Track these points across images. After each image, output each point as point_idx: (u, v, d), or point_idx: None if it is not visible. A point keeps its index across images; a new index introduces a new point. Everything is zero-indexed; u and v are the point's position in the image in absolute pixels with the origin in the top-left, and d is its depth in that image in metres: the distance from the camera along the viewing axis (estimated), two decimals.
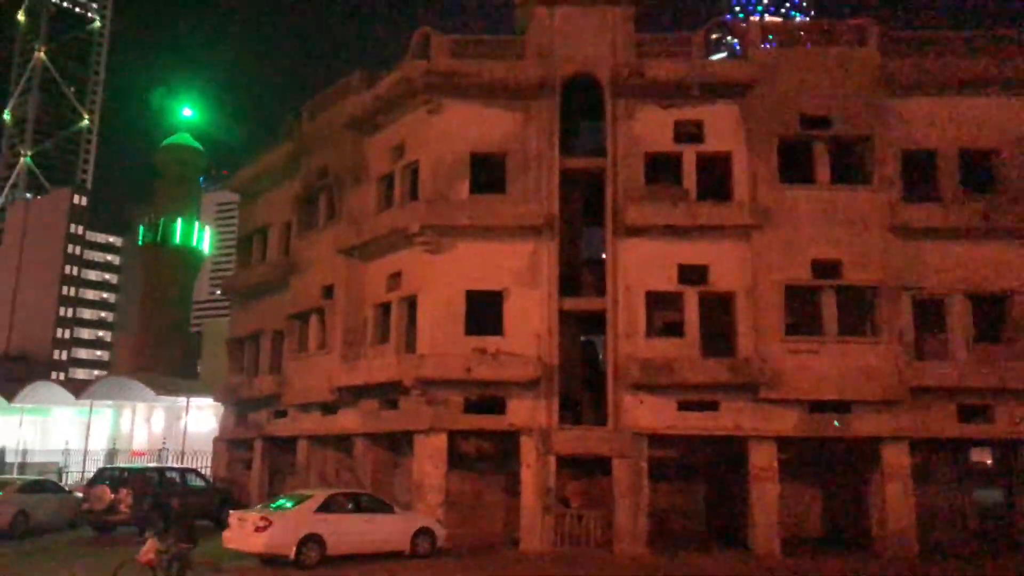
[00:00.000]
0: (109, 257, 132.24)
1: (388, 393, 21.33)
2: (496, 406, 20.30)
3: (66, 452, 33.42)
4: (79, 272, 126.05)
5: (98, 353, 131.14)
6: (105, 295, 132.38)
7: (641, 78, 20.86)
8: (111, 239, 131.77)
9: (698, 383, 19.60)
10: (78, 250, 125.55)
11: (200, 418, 34.91)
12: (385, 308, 22.37)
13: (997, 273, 19.69)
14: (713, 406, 19.84)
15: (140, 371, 42.28)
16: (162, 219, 50.46)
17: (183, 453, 31.09)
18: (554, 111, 21.24)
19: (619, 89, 21.12)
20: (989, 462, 24.45)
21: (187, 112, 55.84)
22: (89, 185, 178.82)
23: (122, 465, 26.28)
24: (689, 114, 21.19)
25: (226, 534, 16.56)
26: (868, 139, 20.35)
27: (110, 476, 21.57)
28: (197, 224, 51.99)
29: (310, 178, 25.10)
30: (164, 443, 32.60)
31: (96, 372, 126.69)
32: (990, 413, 19.43)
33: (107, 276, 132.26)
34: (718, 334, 20.61)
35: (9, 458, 35.27)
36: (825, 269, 19.90)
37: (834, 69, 20.76)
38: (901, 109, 20.55)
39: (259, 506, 17.75)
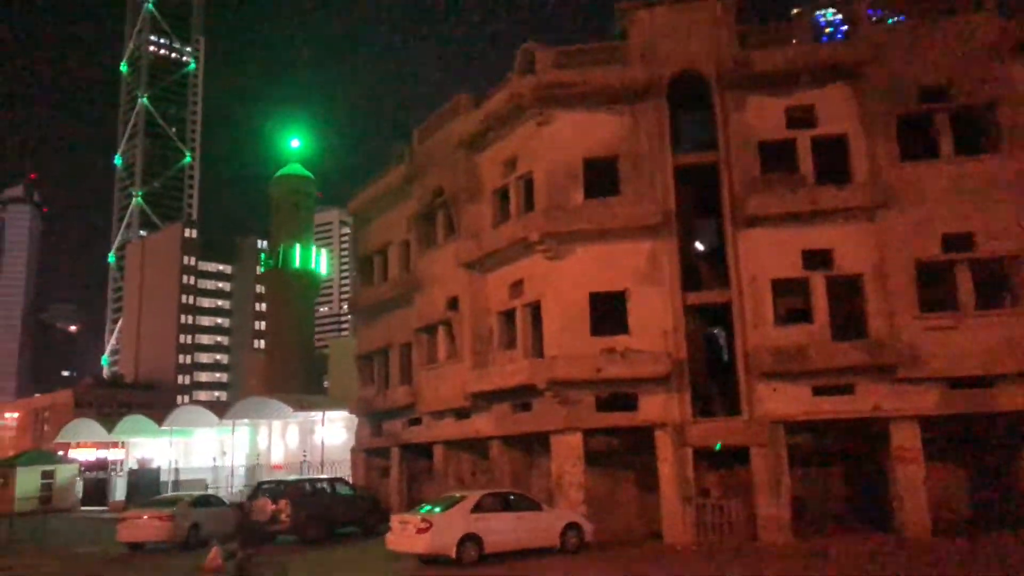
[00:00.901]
0: (220, 284, 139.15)
1: (520, 396, 22.09)
2: (627, 403, 20.75)
3: (214, 469, 35.72)
4: (195, 300, 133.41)
5: (217, 375, 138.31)
6: (219, 320, 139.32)
7: (749, 70, 20.96)
8: (220, 267, 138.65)
9: (832, 367, 19.55)
10: (192, 280, 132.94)
11: (332, 431, 36.70)
12: (509, 315, 23.15)
13: None
14: (849, 389, 19.74)
15: (270, 390, 44.68)
16: (281, 246, 53.24)
17: (322, 464, 32.79)
18: (663, 110, 21.55)
19: (726, 82, 21.26)
20: None
21: (295, 143, 58.63)
22: (195, 217, 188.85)
23: (279, 478, 28.02)
24: (800, 99, 21.14)
25: (389, 537, 17.62)
26: (991, 106, 19.83)
27: (269, 489, 23.12)
28: (313, 248, 54.63)
29: (426, 198, 26.20)
30: (304, 456, 34.50)
31: (216, 393, 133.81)
32: None
33: (219, 302, 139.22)
34: (846, 317, 20.49)
35: (162, 477, 37.98)
36: (957, 243, 19.51)
37: (950, 38, 20.34)
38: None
39: (415, 509, 18.75)
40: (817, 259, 20.40)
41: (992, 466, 21.19)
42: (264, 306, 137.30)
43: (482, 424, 23.63)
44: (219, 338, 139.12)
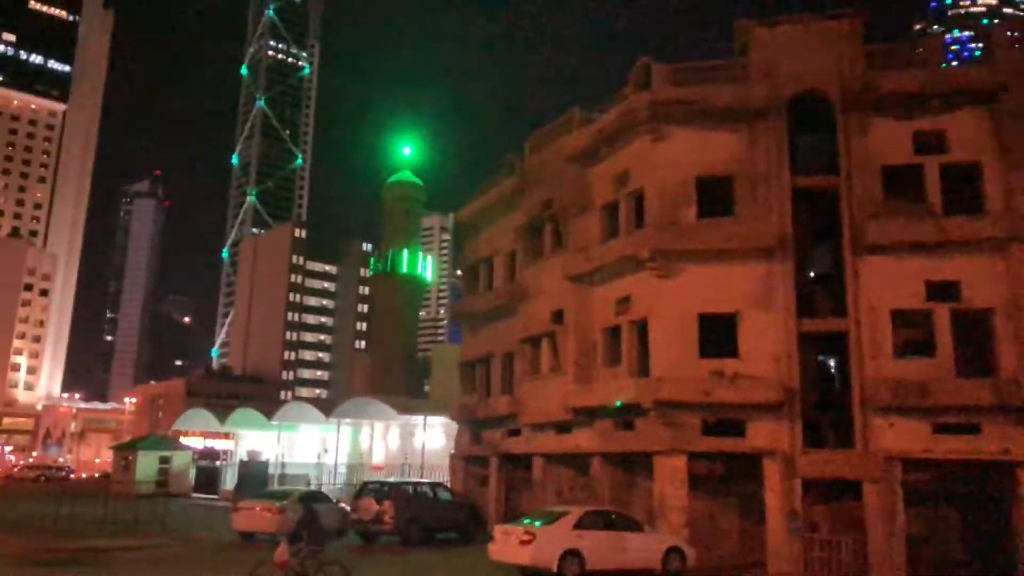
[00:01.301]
0: (325, 284, 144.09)
1: (623, 414, 22.02)
2: (735, 428, 20.39)
3: (318, 465, 37.05)
4: (301, 299, 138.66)
5: (318, 373, 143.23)
6: (323, 319, 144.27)
7: (876, 92, 20.33)
8: (326, 267, 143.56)
9: (955, 405, 18.70)
10: (300, 279, 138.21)
11: (432, 436, 37.48)
12: (614, 331, 23.12)
13: None
14: (974, 429, 18.82)
15: (374, 392, 46.02)
16: (390, 250, 54.90)
17: (422, 468, 33.54)
18: (782, 131, 21.14)
19: (850, 104, 20.70)
20: None
21: (407, 151, 60.30)
22: (303, 217, 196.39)
23: (382, 479, 28.86)
24: (929, 124, 20.37)
25: (492, 546, 17.89)
26: None
27: (374, 489, 23.86)
28: (420, 254, 56.07)
29: (535, 210, 26.49)
30: (406, 459, 35.39)
31: (317, 391, 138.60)
32: None
33: (324, 302, 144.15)
34: (970, 353, 19.55)
35: (270, 469, 39.67)
36: None
37: None
38: None
39: (518, 521, 18.98)
40: (942, 291, 19.56)
41: None
42: (366, 308, 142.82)
43: (583, 439, 23.66)
44: (322, 337, 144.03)
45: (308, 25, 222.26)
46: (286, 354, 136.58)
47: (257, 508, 23.04)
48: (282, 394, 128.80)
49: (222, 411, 51.11)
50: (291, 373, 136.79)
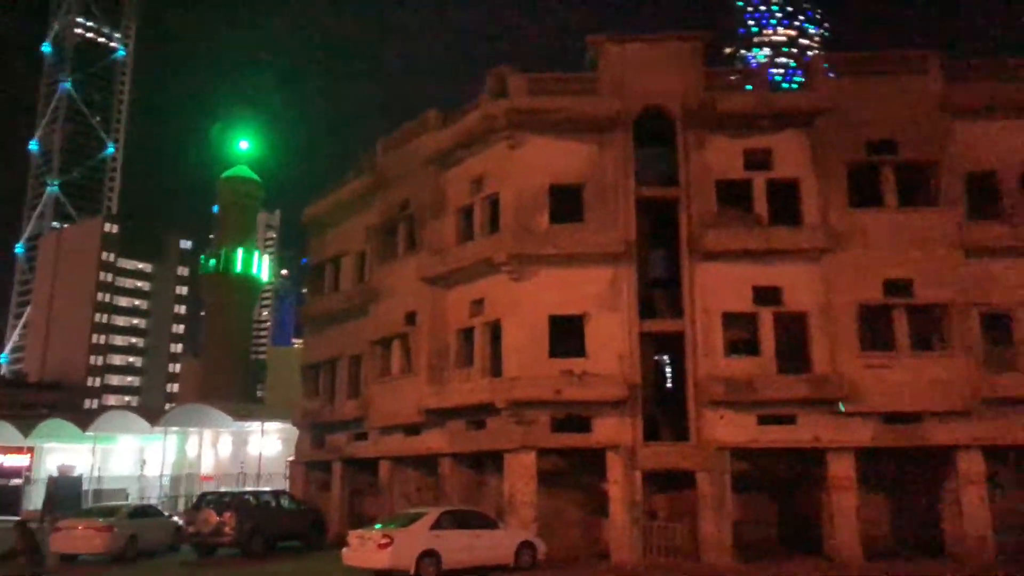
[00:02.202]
0: (139, 283, 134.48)
1: (475, 414, 22.36)
2: (581, 425, 21.28)
3: (140, 478, 34.58)
4: (111, 299, 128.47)
5: (129, 379, 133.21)
6: (135, 321, 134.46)
7: (713, 111, 21.98)
8: (141, 265, 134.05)
9: (778, 399, 20.56)
10: (110, 277, 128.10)
11: (267, 442, 36.02)
12: (467, 333, 23.45)
13: None
14: (791, 420, 20.77)
15: (204, 398, 43.50)
16: (224, 249, 51.97)
17: (258, 476, 32.19)
18: (628, 143, 22.37)
19: (690, 121, 22.24)
20: None
21: (243, 145, 57.49)
22: (114, 211, 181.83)
23: (221, 490, 27.42)
24: (758, 143, 22.26)
25: (346, 552, 17.59)
26: (934, 163, 21.36)
27: (213, 500, 22.68)
28: (257, 253, 53.50)
29: (390, 210, 26.32)
30: (241, 467, 33.77)
31: (127, 398, 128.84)
32: None
33: (137, 302, 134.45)
34: (791, 351, 21.56)
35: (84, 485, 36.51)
36: (897, 288, 20.85)
37: (898, 97, 21.82)
38: (963, 133, 21.57)
39: (372, 526, 18.77)
40: (767, 295, 21.44)
41: (915, 497, 22.55)
42: (184, 309, 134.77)
43: (434, 440, 23.76)
44: (134, 340, 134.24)
45: (123, 3, 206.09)
46: (93, 359, 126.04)
47: (80, 527, 21.24)
48: (87, 402, 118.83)
49: (24, 423, 46.31)
50: (98, 379, 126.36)
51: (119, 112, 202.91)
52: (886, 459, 22.30)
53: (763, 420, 20.83)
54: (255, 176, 55.19)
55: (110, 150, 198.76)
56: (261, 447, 34.61)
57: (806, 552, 21.35)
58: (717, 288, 21.50)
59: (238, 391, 47.12)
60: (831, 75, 22.45)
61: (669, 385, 25.99)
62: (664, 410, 23.08)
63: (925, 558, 20.35)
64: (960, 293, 20.63)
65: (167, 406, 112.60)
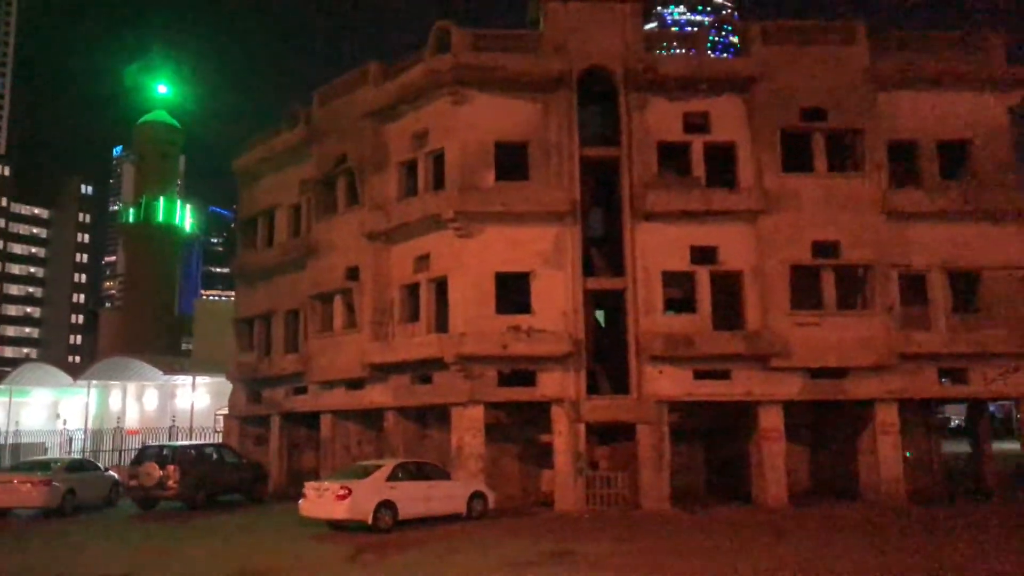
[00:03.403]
0: (35, 230, 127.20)
1: (421, 369, 22.64)
2: (527, 379, 21.87)
3: (62, 432, 33.50)
4: (4, 247, 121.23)
5: (27, 330, 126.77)
6: (32, 269, 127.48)
7: (654, 73, 22.43)
8: (37, 211, 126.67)
9: (714, 354, 21.59)
10: (2, 223, 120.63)
11: (194, 396, 35.34)
12: (412, 289, 23.56)
13: (972, 251, 22.20)
14: (726, 375, 21.90)
15: (127, 351, 42.12)
16: (144, 197, 49.56)
17: (190, 430, 31.66)
18: (572, 103, 22.64)
19: (632, 83, 22.65)
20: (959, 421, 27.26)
21: (162, 89, 54.51)
22: (2, 151, 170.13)
23: (165, 443, 26.92)
24: (696, 106, 22.89)
25: (303, 503, 17.76)
26: (860, 131, 22.48)
27: (155, 454, 22.34)
28: (180, 202, 51.27)
29: (327, 164, 25.88)
30: (174, 420, 33.08)
31: (25, 350, 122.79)
32: (966, 375, 22.07)
33: (34, 250, 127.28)
34: (725, 309, 22.62)
35: None
36: (825, 249, 22.05)
37: (828, 66, 22.76)
38: (887, 102, 22.76)
39: (330, 477, 18.97)
40: (704, 255, 22.34)
41: (832, 445, 24.28)
42: (86, 257, 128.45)
43: (377, 395, 23.95)
44: (31, 289, 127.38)
45: None
46: None
47: (15, 480, 20.62)
48: None
49: None
50: None
51: (5, 42, 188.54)
52: (806, 411, 23.88)
53: (699, 375, 21.87)
54: (175, 122, 52.50)
55: None
56: (192, 401, 33.97)
57: (731, 498, 22.76)
58: (657, 247, 22.22)
59: (162, 344, 45.71)
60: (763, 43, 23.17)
61: (607, 341, 26.80)
62: (602, 365, 23.90)
63: (845, 501, 22.00)
64: (882, 255, 21.99)
65: (71, 358, 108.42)
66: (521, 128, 22.59)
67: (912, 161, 22.93)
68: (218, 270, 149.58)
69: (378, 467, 18.24)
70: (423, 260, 23.10)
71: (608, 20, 23.19)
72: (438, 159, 23.19)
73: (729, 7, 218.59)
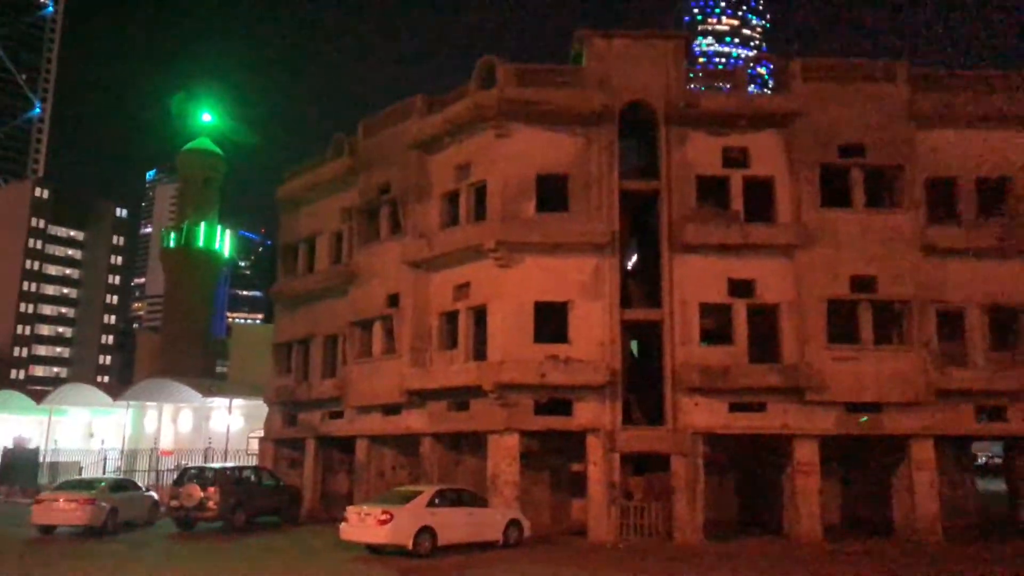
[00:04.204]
0: (70, 252, 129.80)
1: (459, 396, 22.94)
2: (563, 408, 22.08)
3: (101, 452, 34.10)
4: (40, 267, 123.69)
5: (58, 350, 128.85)
6: (66, 290, 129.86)
7: (695, 108, 22.84)
8: (72, 233, 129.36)
9: (750, 387, 21.70)
10: (39, 244, 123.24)
11: (230, 419, 35.85)
12: (451, 316, 23.94)
13: (1010, 289, 22.20)
14: (761, 407, 21.96)
15: (163, 373, 42.85)
16: (186, 223, 50.68)
17: (226, 452, 32.13)
18: (614, 136, 23.06)
19: (673, 118, 23.04)
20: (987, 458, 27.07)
21: (206, 117, 55.91)
22: (40, 174, 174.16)
23: (205, 464, 27.39)
24: (735, 141, 23.23)
25: (344, 527, 18.06)
26: (899, 167, 22.66)
27: (196, 475, 22.77)
28: (220, 228, 52.33)
29: (371, 192, 26.48)
30: (209, 443, 33.59)
31: (56, 369, 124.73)
32: (1004, 413, 21.97)
33: (68, 271, 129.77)
34: (762, 342, 22.74)
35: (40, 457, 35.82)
36: (862, 285, 22.16)
37: (868, 103, 23.02)
38: (927, 140, 22.93)
39: (372, 502, 19.26)
40: (741, 288, 22.53)
41: (865, 481, 24.18)
42: (119, 279, 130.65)
43: (414, 421, 24.25)
44: (64, 309, 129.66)
45: None
46: (20, 328, 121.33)
47: (61, 500, 21.12)
48: (13, 373, 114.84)
49: None
50: (24, 349, 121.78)
51: (47, 72, 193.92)
52: (839, 445, 23.81)
53: (734, 407, 21.96)
54: (218, 149, 53.82)
55: (36, 110, 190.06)
56: (229, 423, 34.46)
57: (763, 531, 22.71)
58: (694, 279, 22.46)
59: (198, 366, 46.44)
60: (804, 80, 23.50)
61: (643, 372, 26.96)
62: (637, 395, 24.05)
63: (882, 538, 21.87)
64: (919, 291, 22.05)
65: (99, 378, 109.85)
66: (563, 161, 23.04)
67: (950, 198, 23.03)
68: (245, 293, 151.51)
69: (418, 493, 18.51)
70: (463, 288, 23.50)
71: (650, 56, 23.65)
72: (480, 190, 23.67)
73: (757, 39, 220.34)
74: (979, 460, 41.57)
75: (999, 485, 26.00)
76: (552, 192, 23.36)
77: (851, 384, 21.62)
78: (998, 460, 47.08)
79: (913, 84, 23.26)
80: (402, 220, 25.40)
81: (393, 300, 25.04)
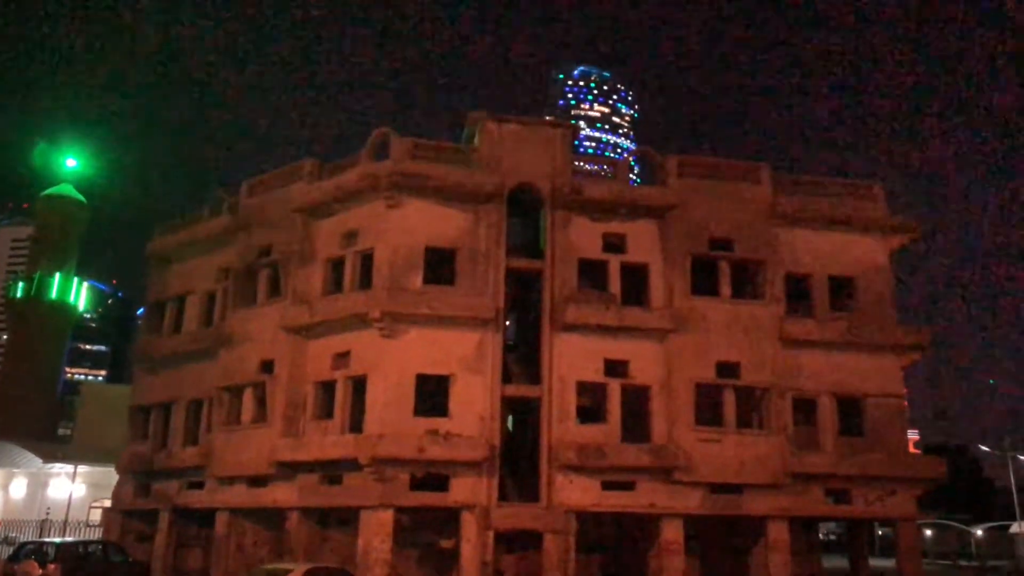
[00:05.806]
0: None
1: (331, 469, 22.26)
2: (439, 483, 21.85)
3: None
4: None
5: None
6: None
7: (579, 195, 23.92)
8: None
9: (622, 465, 22.31)
10: None
11: (72, 486, 32.97)
12: (328, 386, 23.39)
13: (856, 379, 24.16)
14: (631, 486, 22.58)
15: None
16: (38, 272, 46.69)
17: (65, 523, 29.44)
18: (502, 216, 23.74)
19: (558, 202, 24.03)
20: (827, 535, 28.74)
21: (71, 163, 52.50)
22: None
23: (44, 539, 24.89)
24: (615, 228, 24.44)
25: None
26: (762, 262, 24.49)
27: (34, 550, 20.76)
28: (76, 280, 48.45)
29: (251, 254, 25.78)
30: (47, 513, 30.61)
31: None
32: (849, 496, 23.60)
33: None
34: (631, 421, 23.52)
35: None
36: (727, 370, 23.52)
37: (735, 200, 24.91)
38: (786, 238, 24.97)
39: None
40: (616, 368, 23.36)
41: (722, 561, 25.14)
42: None
43: (281, 494, 23.25)
44: None
45: None
46: None
47: None
48: None
49: None
50: None
51: None
52: (699, 524, 24.73)
53: (607, 485, 22.46)
54: (81, 197, 50.30)
55: None
56: (71, 491, 31.60)
57: None
58: (573, 358, 23.12)
59: (40, 428, 42.30)
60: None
61: (518, 448, 27.13)
62: (512, 471, 24.16)
63: None
64: (777, 378, 23.63)
65: None
66: (451, 235, 23.40)
67: (807, 292, 25.01)
68: (88, 347, 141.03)
69: (288, 571, 17.69)
70: (343, 357, 23.09)
71: (539, 142, 24.70)
72: (367, 258, 23.59)
73: (626, 127, 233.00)
74: (821, 536, 44.04)
75: (842, 561, 27.64)
76: (439, 265, 23.63)
77: (715, 465, 22.66)
78: (833, 536, 50.34)
79: (776, 185, 25.39)
80: (282, 284, 24.83)
81: (267, 366, 24.23)
